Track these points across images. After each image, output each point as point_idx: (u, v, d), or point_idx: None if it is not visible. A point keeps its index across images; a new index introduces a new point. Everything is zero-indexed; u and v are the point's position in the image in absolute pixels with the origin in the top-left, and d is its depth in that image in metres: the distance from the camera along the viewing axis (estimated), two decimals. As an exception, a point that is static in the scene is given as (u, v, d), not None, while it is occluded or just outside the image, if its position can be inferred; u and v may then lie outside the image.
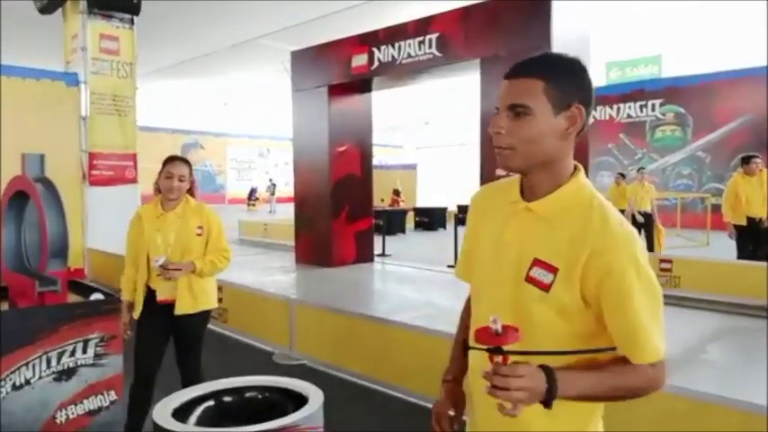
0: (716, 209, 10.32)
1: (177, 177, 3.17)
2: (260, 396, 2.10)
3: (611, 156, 16.88)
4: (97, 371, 3.35)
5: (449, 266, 9.14)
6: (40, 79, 8.29)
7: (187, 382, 3.13)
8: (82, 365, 3.36)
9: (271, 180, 30.75)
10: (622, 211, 8.89)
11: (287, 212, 14.99)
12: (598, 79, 16.51)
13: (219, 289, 6.39)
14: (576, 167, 1.28)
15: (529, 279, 1.21)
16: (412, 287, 7.53)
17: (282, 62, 12.98)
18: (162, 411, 1.88)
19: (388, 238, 11.50)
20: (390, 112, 20.81)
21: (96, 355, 3.32)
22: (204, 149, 35.89)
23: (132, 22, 9.20)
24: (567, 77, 1.23)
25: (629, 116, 16.71)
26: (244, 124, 33.33)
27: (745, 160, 7.60)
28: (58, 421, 3.23)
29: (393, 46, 8.24)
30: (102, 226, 8.18)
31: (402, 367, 4.32)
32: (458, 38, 7.43)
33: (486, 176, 6.76)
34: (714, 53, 15.75)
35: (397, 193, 21.49)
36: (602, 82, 18.12)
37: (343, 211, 9.31)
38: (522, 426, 1.19)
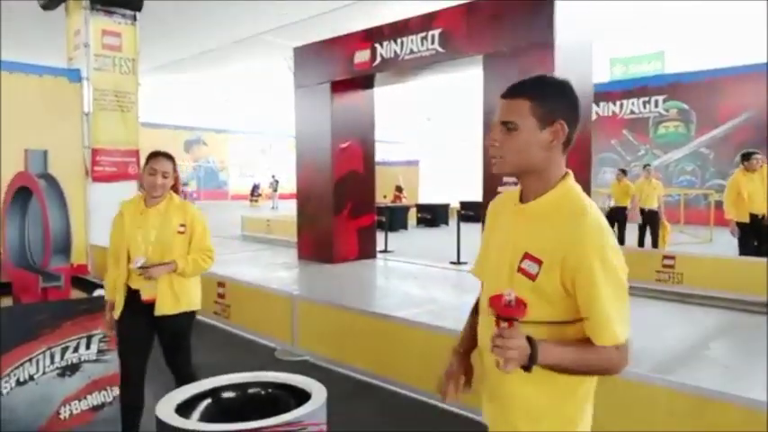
0: (719, 205, 10.30)
1: (161, 174, 3.07)
2: (263, 392, 2.10)
3: (614, 152, 16.85)
4: (100, 367, 3.35)
5: (451, 263, 9.14)
6: (43, 75, 8.28)
7: (180, 381, 3.05)
8: (85, 361, 3.37)
9: (273, 176, 30.77)
10: (624, 209, 8.79)
11: (289, 209, 15.01)
12: (601, 75, 16.46)
13: (222, 285, 6.43)
14: (566, 174, 1.49)
15: (520, 270, 1.43)
16: (414, 283, 7.53)
17: (285, 58, 12.98)
18: (165, 407, 1.89)
19: (390, 234, 11.50)
20: (393, 108, 20.79)
21: (99, 351, 3.33)
22: (207, 146, 35.93)
23: (134, 18, 9.19)
24: (552, 98, 1.45)
25: (632, 112, 16.67)
26: (246, 120, 33.32)
27: (746, 156, 7.57)
28: (61, 417, 3.24)
29: (396, 42, 8.22)
30: (105, 222, 8.07)
31: (404, 363, 4.32)
32: (461, 34, 7.41)
33: (489, 173, 6.75)
34: (718, 49, 15.68)
35: (399, 189, 21.49)
36: (606, 78, 18.07)
37: (345, 208, 9.30)
38: (513, 388, 1.44)
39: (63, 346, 3.30)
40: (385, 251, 10.64)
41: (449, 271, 8.64)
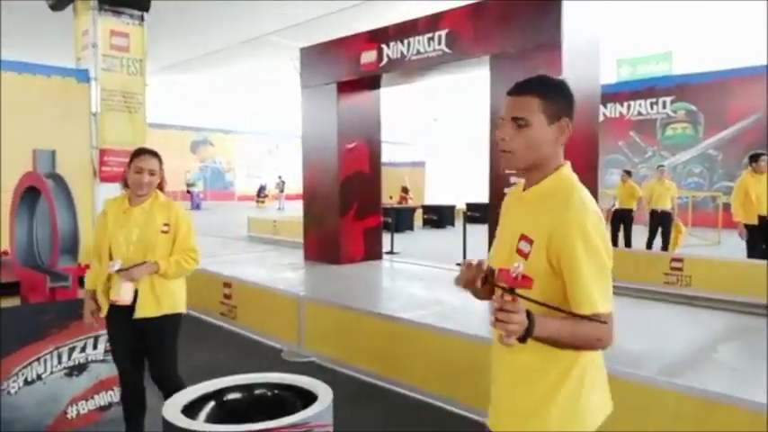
0: (727, 207, 10.20)
1: (147, 172, 2.98)
2: (269, 393, 2.10)
3: (622, 153, 16.76)
4: (107, 367, 3.36)
5: (457, 264, 9.09)
6: (51, 76, 8.32)
7: (164, 391, 2.91)
8: (92, 361, 3.38)
9: (280, 177, 30.83)
10: (629, 210, 8.71)
11: (296, 209, 15.02)
12: (608, 76, 16.38)
13: (228, 285, 6.43)
14: (564, 164, 1.58)
15: (517, 250, 1.53)
16: (420, 285, 7.51)
17: (291, 59, 12.99)
18: (171, 408, 1.89)
19: (396, 235, 11.50)
20: (399, 109, 20.80)
21: (106, 351, 3.34)
22: (213, 146, 36.04)
23: (142, 18, 9.22)
24: (557, 96, 1.54)
25: (639, 113, 16.58)
26: (253, 121, 33.38)
27: (754, 158, 7.51)
28: (69, 416, 3.26)
29: (402, 42, 8.21)
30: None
31: (410, 365, 4.32)
32: (468, 34, 7.40)
33: (496, 174, 6.73)
34: (726, 50, 15.58)
35: (405, 190, 21.48)
36: (613, 79, 17.95)
37: (351, 209, 9.30)
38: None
39: (70, 345, 3.31)
40: (391, 252, 10.63)
41: (455, 273, 8.59)
